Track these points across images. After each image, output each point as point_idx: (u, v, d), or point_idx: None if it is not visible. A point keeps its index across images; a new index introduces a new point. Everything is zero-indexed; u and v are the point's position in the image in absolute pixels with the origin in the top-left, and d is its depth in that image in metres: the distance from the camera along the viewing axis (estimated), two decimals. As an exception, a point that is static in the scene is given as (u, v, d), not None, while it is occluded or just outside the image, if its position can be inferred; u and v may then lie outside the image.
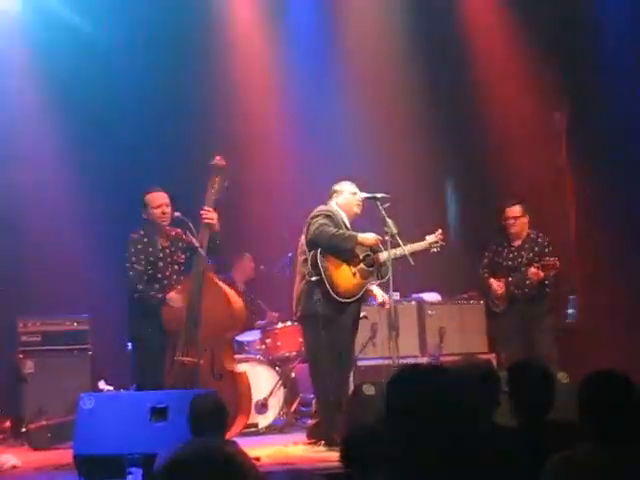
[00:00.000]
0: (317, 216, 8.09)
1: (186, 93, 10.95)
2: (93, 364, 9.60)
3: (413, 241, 8.24)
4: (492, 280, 9.39)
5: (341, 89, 11.40)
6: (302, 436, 8.65)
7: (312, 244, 8.05)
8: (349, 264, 8.07)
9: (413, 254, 8.09)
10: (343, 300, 8.00)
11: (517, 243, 9.45)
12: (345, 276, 8.05)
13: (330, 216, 8.10)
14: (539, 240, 9.43)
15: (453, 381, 2.90)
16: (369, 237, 8.08)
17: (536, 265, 9.12)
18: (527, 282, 9.19)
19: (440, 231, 8.44)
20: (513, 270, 9.33)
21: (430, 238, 8.36)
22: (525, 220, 9.43)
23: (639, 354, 9.20)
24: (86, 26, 10.78)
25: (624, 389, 3.67)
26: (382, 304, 8.30)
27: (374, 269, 8.12)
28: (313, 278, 7.96)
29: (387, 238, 7.95)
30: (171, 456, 2.29)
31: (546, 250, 9.35)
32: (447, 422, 2.80)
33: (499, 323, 9.42)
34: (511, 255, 9.44)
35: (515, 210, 9.42)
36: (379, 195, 8.10)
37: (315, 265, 7.99)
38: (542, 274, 9.10)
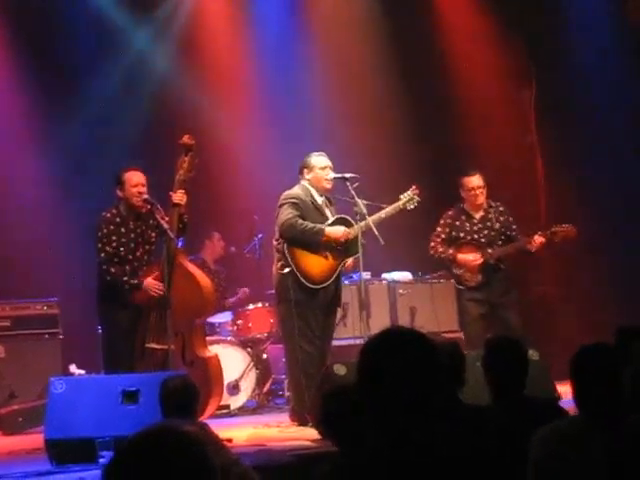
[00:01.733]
0: (284, 204, 8.07)
1: (154, 72, 10.91)
2: (64, 348, 9.53)
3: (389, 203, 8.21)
4: (461, 255, 9.13)
5: (311, 68, 11.38)
6: (274, 417, 8.69)
7: (281, 235, 8.06)
8: (319, 247, 8.06)
9: (389, 218, 8.13)
10: (316, 286, 8.02)
11: (479, 215, 9.20)
12: (316, 262, 8.05)
13: (297, 203, 8.07)
14: (500, 209, 9.23)
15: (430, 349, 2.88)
16: (337, 231, 8.07)
17: (540, 233, 8.94)
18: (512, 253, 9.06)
19: (414, 187, 8.37)
20: (483, 244, 9.11)
21: (405, 196, 8.32)
22: (486, 189, 9.15)
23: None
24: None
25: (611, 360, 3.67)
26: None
27: (345, 246, 8.11)
28: (284, 271, 7.97)
29: (357, 217, 7.97)
30: (129, 438, 2.28)
31: (510, 219, 9.20)
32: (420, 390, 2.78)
33: (474, 297, 9.12)
34: (476, 228, 9.16)
35: (478, 179, 9.13)
36: (348, 175, 8.10)
37: (284, 255, 8.00)
38: (544, 243, 8.93)
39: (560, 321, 10.38)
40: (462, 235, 9.18)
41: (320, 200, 8.23)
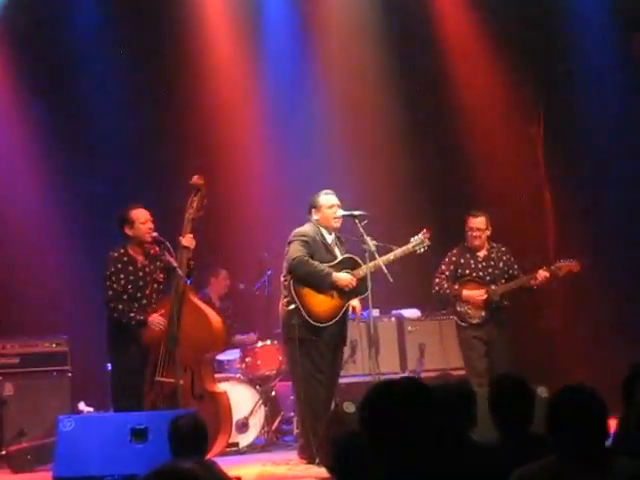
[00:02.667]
0: (294, 241, 8.10)
1: (162, 110, 10.97)
2: (73, 385, 9.53)
3: (399, 245, 8.23)
4: (466, 291, 9.10)
5: (320, 105, 11.39)
6: (284, 455, 8.65)
7: (289, 271, 8.09)
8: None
9: (397, 260, 8.12)
10: (321, 325, 8.02)
11: (482, 253, 9.22)
12: (321, 300, 8.06)
13: (307, 241, 8.09)
14: (502, 249, 9.26)
15: (430, 398, 2.90)
16: (344, 279, 8.07)
17: (545, 268, 8.98)
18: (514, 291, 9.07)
19: (425, 230, 8.36)
20: (487, 281, 9.12)
21: (415, 239, 8.31)
22: (488, 233, 9.21)
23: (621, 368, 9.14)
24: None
25: (592, 404, 3.66)
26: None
27: (352, 287, 8.11)
28: (290, 307, 7.99)
29: (366, 255, 7.98)
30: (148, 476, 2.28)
31: (512, 259, 9.24)
32: (424, 440, 2.79)
33: (477, 334, 9.08)
34: (480, 266, 9.18)
35: (480, 221, 9.17)
36: (357, 213, 8.11)
37: (290, 291, 8.02)
38: (548, 278, 8.99)
39: (568, 356, 10.33)
40: (467, 272, 9.17)
41: (330, 239, 8.24)
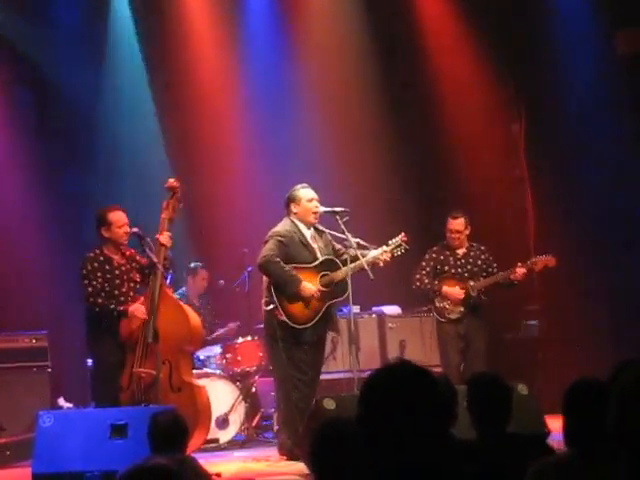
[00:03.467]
0: (268, 241, 8.09)
1: (140, 108, 10.96)
2: (52, 381, 9.50)
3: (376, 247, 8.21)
4: (446, 287, 9.20)
5: (304, 103, 11.38)
6: (264, 451, 8.66)
7: (259, 270, 8.13)
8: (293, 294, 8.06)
9: (375, 263, 8.10)
10: (299, 327, 8.00)
11: (462, 251, 9.35)
12: (299, 302, 8.05)
13: (282, 241, 8.07)
14: (482, 248, 9.39)
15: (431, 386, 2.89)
16: (308, 288, 8.03)
17: (521, 264, 9.07)
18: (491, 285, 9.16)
19: (403, 234, 8.31)
20: (465, 277, 9.23)
21: (393, 242, 8.27)
22: (467, 233, 9.34)
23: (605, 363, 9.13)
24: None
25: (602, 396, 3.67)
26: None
27: (331, 289, 8.10)
28: (269, 307, 7.99)
29: (348, 252, 7.97)
30: (121, 475, 2.28)
31: (490, 257, 9.35)
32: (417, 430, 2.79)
33: (455, 329, 9.15)
34: (459, 263, 9.30)
35: (459, 223, 9.29)
36: (338, 209, 8.11)
37: (270, 291, 8.02)
38: (526, 273, 9.09)
39: (551, 355, 10.36)
40: (446, 269, 9.30)
41: (308, 234, 8.22)
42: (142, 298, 7.91)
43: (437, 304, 9.23)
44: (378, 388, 2.86)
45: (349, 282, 7.95)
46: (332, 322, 8.32)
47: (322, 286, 8.07)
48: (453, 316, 9.18)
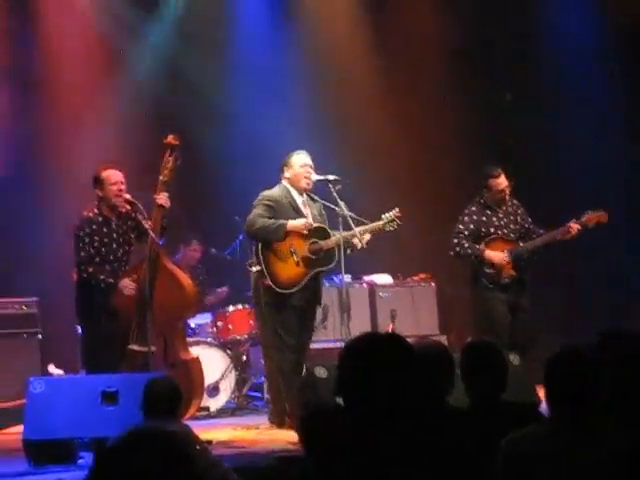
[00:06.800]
0: (256, 205, 8.05)
1: (135, 70, 10.90)
2: (42, 348, 9.48)
3: (371, 221, 8.16)
4: (489, 251, 8.60)
5: (295, 66, 11.31)
6: (254, 419, 8.69)
7: (247, 235, 8.08)
8: (293, 253, 8.04)
9: (367, 234, 8.06)
10: (284, 291, 7.96)
11: (502, 209, 8.76)
12: (286, 266, 8.00)
13: (270, 205, 8.03)
14: (516, 203, 8.86)
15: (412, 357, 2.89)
16: (298, 223, 8.00)
17: (575, 220, 8.56)
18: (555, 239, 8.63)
19: (397, 209, 8.18)
20: (512, 238, 8.68)
21: (387, 216, 8.14)
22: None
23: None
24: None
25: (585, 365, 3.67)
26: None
27: (319, 256, 8.06)
28: (254, 269, 8.00)
29: (339, 220, 7.93)
30: (119, 438, 2.27)
31: (525, 213, 8.85)
32: (405, 400, 2.79)
33: (500, 297, 8.59)
34: (503, 222, 8.73)
35: (504, 178, 8.67)
36: (331, 177, 8.06)
37: (257, 255, 8.00)
38: (580, 230, 8.57)
39: (545, 324, 10.34)
40: (492, 230, 8.72)
41: (300, 200, 8.18)
42: (134, 274, 7.77)
43: (486, 270, 8.63)
44: (352, 357, 2.87)
45: (342, 253, 7.90)
46: (319, 294, 8.31)
47: (310, 253, 8.03)
48: (503, 281, 8.62)
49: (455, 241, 8.67)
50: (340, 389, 2.92)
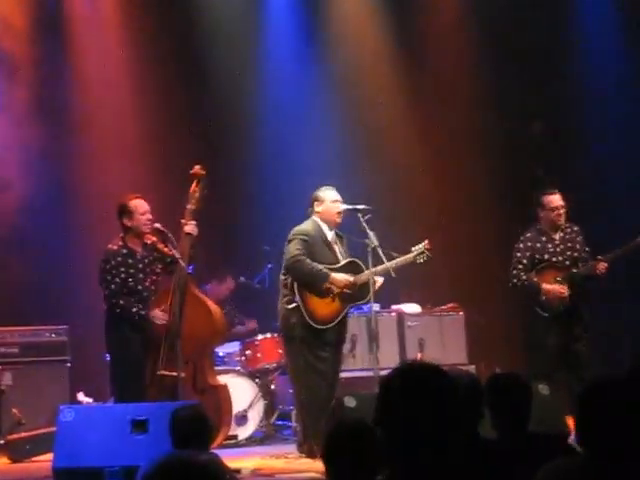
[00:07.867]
0: (292, 240, 8.07)
1: (165, 100, 10.96)
2: (72, 376, 9.52)
3: (400, 253, 8.16)
4: (546, 284, 8.45)
5: (326, 94, 11.37)
6: (282, 448, 8.66)
7: (287, 270, 8.08)
8: (323, 290, 8.03)
9: (397, 269, 8.06)
10: (320, 327, 7.99)
11: (558, 235, 8.58)
12: (322, 302, 8.03)
13: (306, 240, 8.05)
14: (576, 229, 8.65)
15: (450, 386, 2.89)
16: (340, 278, 8.02)
17: (600, 259, 8.41)
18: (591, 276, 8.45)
19: (427, 241, 8.21)
20: (567, 265, 8.52)
21: (416, 249, 8.19)
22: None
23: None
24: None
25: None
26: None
27: (354, 291, 8.08)
28: (290, 306, 7.98)
29: (368, 251, 7.94)
30: (149, 467, 2.28)
31: (583, 240, 8.65)
32: (439, 429, 2.79)
33: (553, 329, 8.44)
34: (558, 249, 8.55)
35: (559, 198, 8.50)
36: (360, 207, 8.09)
37: (292, 290, 8.00)
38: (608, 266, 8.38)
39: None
40: (546, 257, 8.59)
41: (330, 235, 8.20)
42: (163, 303, 7.84)
43: (542, 298, 8.48)
44: (394, 389, 2.87)
45: (371, 286, 7.90)
46: (347, 326, 8.34)
47: (346, 288, 8.06)
48: (557, 311, 8.48)
49: (514, 272, 8.61)
50: (381, 419, 2.91)
